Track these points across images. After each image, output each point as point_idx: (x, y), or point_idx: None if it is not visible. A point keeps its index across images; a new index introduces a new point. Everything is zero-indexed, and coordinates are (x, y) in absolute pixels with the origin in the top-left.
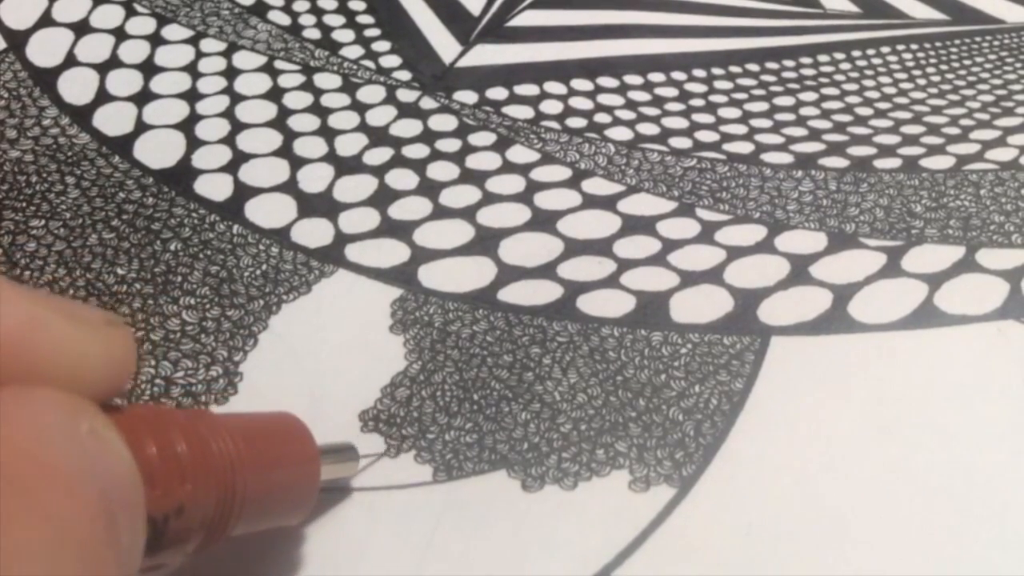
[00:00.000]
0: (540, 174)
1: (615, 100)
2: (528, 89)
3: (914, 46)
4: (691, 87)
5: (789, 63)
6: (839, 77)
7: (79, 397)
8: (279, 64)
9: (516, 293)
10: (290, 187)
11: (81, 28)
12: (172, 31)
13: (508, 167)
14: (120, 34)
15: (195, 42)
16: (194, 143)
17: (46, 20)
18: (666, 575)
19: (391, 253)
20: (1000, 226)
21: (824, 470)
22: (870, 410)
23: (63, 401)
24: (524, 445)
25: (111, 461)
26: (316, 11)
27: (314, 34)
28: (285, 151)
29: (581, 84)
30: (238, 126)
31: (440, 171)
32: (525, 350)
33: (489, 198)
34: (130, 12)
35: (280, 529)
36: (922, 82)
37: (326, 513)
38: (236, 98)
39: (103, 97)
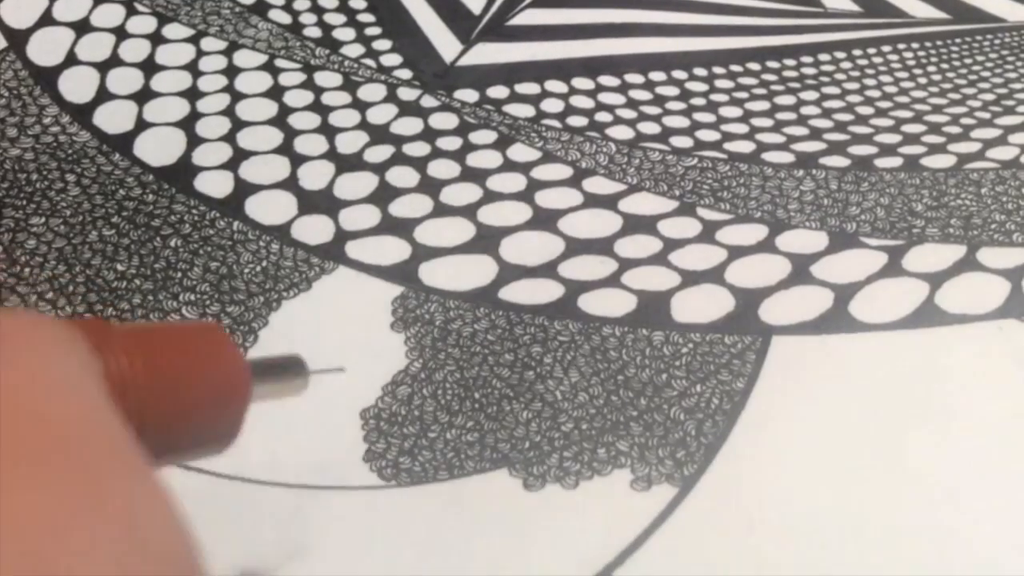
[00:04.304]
0: (541, 172)
1: (616, 99)
2: (529, 88)
3: (915, 45)
4: (692, 86)
5: (790, 62)
6: (840, 76)
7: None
8: (280, 62)
9: (517, 292)
10: (291, 184)
11: (82, 27)
12: (173, 30)
13: (509, 165)
14: (121, 33)
15: (196, 41)
16: (194, 140)
17: (47, 19)
18: (668, 574)
19: (392, 251)
20: (1001, 225)
21: (825, 469)
22: (871, 409)
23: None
24: (526, 444)
25: None
26: (317, 10)
27: (315, 33)
28: (286, 149)
29: (582, 83)
30: (239, 124)
31: (441, 169)
32: (526, 349)
33: (490, 196)
34: (131, 11)
35: (279, 522)
36: (923, 81)
37: (327, 511)
38: (237, 96)
39: (104, 95)
